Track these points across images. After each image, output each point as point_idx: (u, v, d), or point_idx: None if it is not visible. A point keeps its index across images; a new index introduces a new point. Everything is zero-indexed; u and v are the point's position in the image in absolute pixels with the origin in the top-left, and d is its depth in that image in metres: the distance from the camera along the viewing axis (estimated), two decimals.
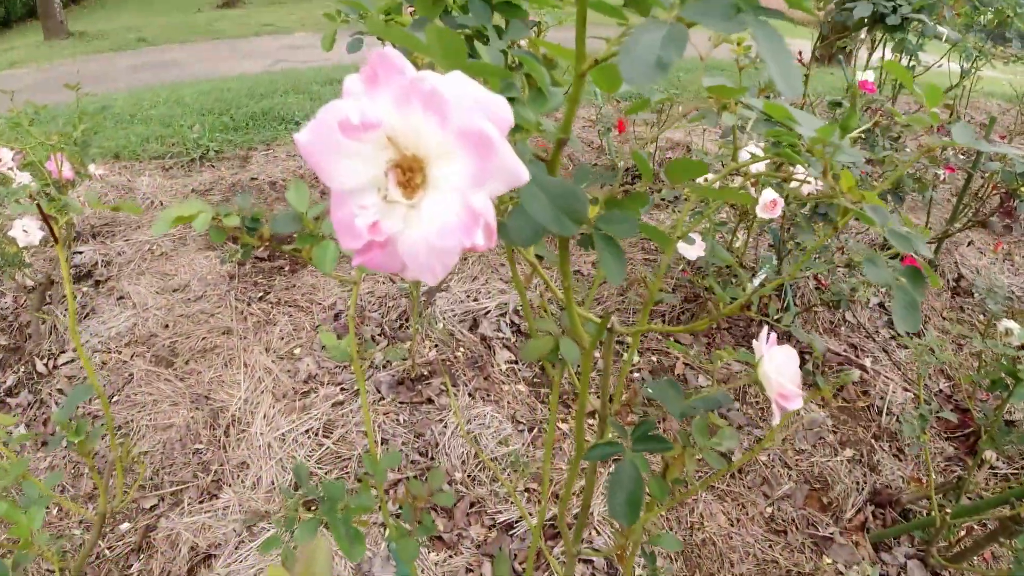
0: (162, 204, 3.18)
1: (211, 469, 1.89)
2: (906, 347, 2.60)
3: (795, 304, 2.57)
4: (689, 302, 2.52)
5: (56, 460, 1.93)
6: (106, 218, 3.02)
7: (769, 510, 1.81)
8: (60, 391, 2.15)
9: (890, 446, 2.10)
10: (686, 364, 2.31)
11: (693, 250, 1.80)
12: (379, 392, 2.01)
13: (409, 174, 0.32)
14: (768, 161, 0.97)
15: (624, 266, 0.52)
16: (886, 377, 2.37)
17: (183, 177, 3.49)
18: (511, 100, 0.63)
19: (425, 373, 2.06)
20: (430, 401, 1.98)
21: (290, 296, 2.48)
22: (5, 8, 12.24)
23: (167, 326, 2.42)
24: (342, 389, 2.03)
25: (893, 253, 0.65)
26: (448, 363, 2.12)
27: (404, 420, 1.92)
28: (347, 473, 1.79)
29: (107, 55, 8.18)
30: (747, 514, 1.79)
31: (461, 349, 2.18)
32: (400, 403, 1.96)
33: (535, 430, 1.92)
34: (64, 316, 2.42)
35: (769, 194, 1.77)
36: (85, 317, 2.47)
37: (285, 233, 0.77)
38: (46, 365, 2.25)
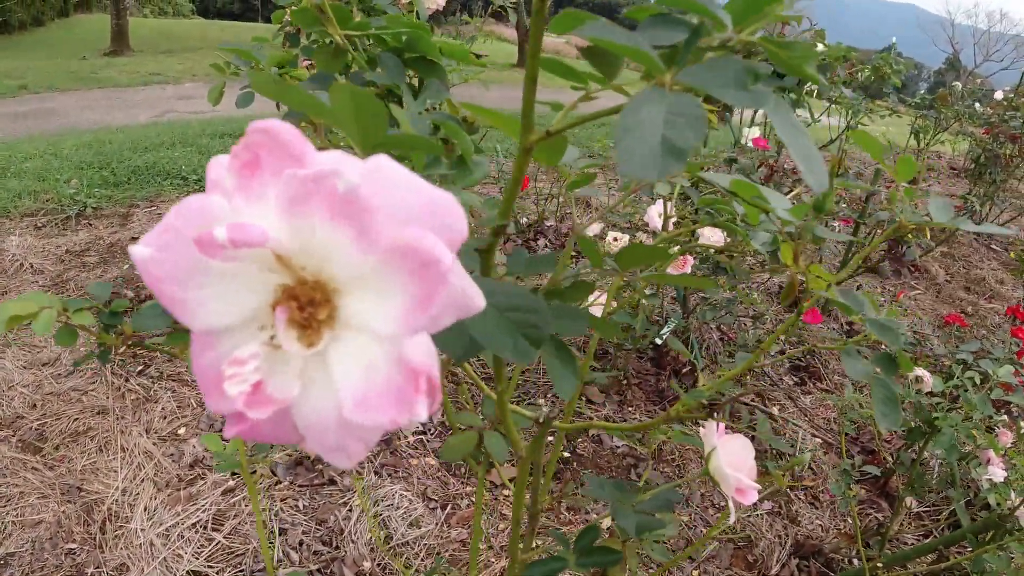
0: (32, 267, 2.90)
1: (86, 573, 1.66)
2: (810, 393, 2.63)
3: (702, 355, 2.57)
4: (598, 359, 2.48)
5: None
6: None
7: (695, 574, 1.75)
8: None
9: (805, 495, 2.09)
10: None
11: (596, 309, 1.74)
12: (275, 475, 1.83)
13: (309, 309, 0.22)
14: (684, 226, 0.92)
15: (578, 374, 0.43)
16: (794, 424, 2.38)
17: (57, 236, 3.20)
18: (429, 176, 0.54)
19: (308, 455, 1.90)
20: (332, 482, 1.82)
21: (174, 368, 2.27)
22: None
23: (35, 406, 2.17)
24: (234, 474, 1.84)
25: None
26: None
27: (304, 506, 1.75)
28: (241, 571, 1.61)
29: None
30: None
31: (453, 435, 2.04)
32: (299, 487, 1.80)
33: (448, 507, 1.79)
34: None
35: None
36: None
37: (153, 330, 0.65)
38: None
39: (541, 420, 0.66)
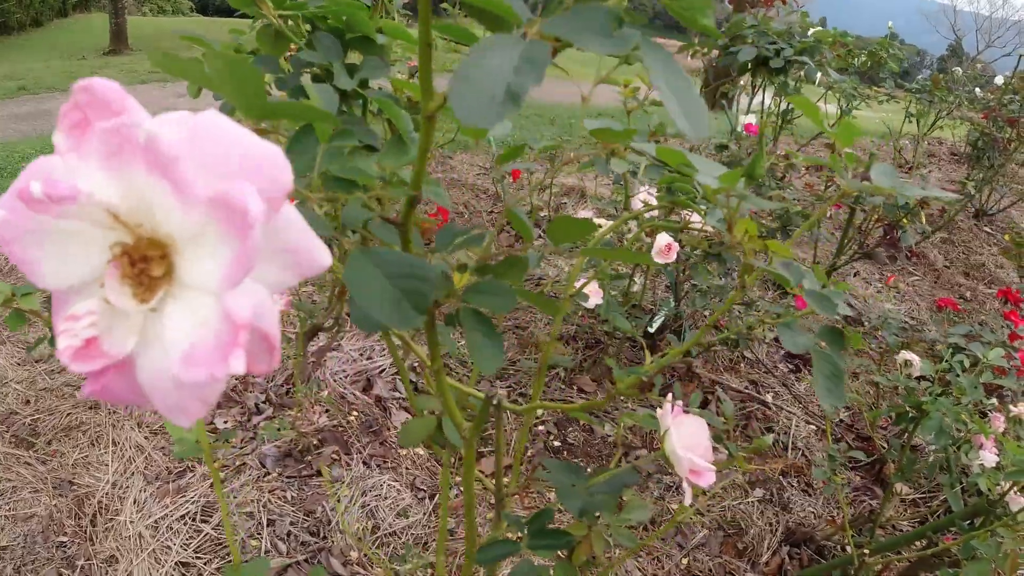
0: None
1: (76, 565, 1.66)
2: (805, 380, 2.62)
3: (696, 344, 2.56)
4: (590, 349, 2.47)
5: None
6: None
7: (685, 561, 1.74)
8: None
9: (798, 481, 2.08)
10: (592, 413, 2.24)
11: (593, 298, 1.73)
12: (264, 467, 1.83)
13: (141, 266, 0.21)
14: (661, 209, 0.91)
15: (501, 349, 0.43)
16: (788, 411, 2.38)
17: None
18: (370, 149, 0.53)
19: (315, 442, 1.90)
20: (320, 474, 1.82)
21: None
22: None
23: (28, 402, 2.17)
24: (222, 466, 1.84)
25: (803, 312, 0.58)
26: (341, 429, 1.97)
27: (292, 497, 1.75)
28: (228, 562, 1.61)
29: None
30: (663, 568, 1.71)
31: (354, 413, 2.04)
32: (287, 478, 1.80)
33: (436, 497, 1.79)
34: None
35: (663, 239, 1.73)
36: None
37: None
38: None
39: (495, 402, 0.66)
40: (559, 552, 0.79)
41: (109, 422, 2.07)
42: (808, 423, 2.39)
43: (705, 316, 2.68)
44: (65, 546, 1.68)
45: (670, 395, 0.65)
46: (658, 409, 0.66)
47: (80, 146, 0.21)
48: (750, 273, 0.49)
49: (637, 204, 1.75)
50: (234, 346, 0.19)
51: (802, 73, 2.05)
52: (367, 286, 0.30)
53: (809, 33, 2.60)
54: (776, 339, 2.85)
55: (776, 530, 1.84)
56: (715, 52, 2.06)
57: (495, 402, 0.66)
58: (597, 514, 0.83)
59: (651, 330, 2.53)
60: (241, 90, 0.29)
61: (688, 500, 0.62)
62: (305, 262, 0.23)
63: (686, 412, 0.67)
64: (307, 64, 0.58)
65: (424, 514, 1.73)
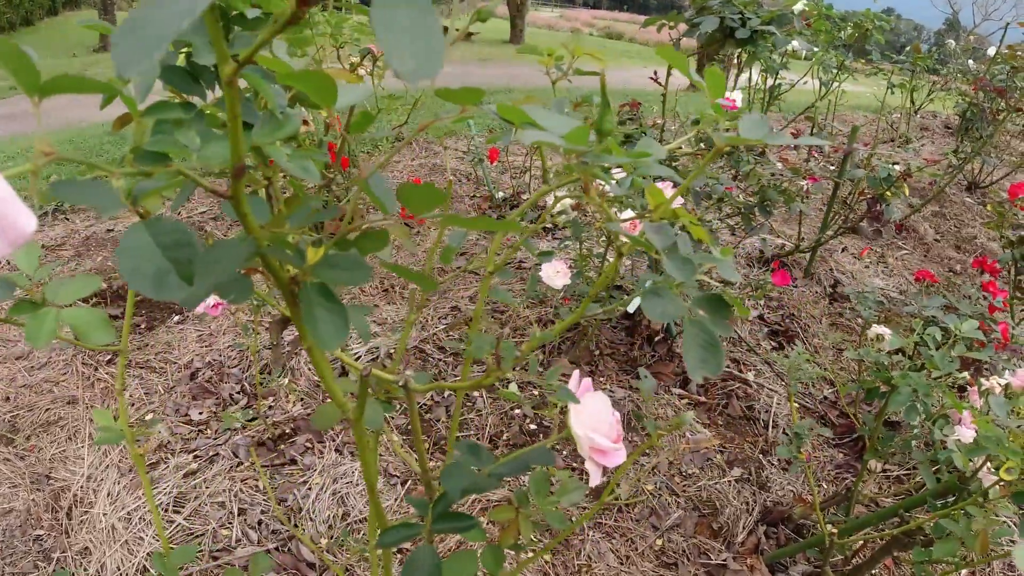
0: (7, 264, 2.90)
1: (52, 557, 1.67)
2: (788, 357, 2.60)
3: (675, 324, 2.54)
4: (569, 330, 2.45)
5: None
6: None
7: (659, 542, 1.74)
8: None
9: (778, 460, 2.07)
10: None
11: (559, 279, 1.72)
12: (236, 456, 1.83)
13: None
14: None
15: (344, 324, 0.41)
16: (770, 389, 2.36)
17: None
18: (247, 126, 0.51)
19: (288, 431, 1.89)
20: (293, 462, 1.82)
21: (143, 356, 2.27)
22: None
23: (7, 398, 2.17)
24: (195, 456, 1.84)
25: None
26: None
27: (264, 486, 1.74)
28: (202, 551, 1.61)
29: None
30: (636, 549, 1.70)
31: (328, 401, 2.03)
32: (260, 467, 1.79)
33: (408, 483, 1.78)
34: None
35: (628, 213, 1.71)
36: None
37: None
38: None
39: (402, 384, 0.65)
40: (487, 539, 0.77)
41: (86, 416, 2.07)
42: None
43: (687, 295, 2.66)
44: (41, 539, 1.69)
45: (576, 372, 0.64)
46: (563, 386, 0.64)
47: None
48: (615, 240, 0.47)
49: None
50: None
51: (771, 43, 2.02)
52: (137, 257, 0.29)
53: (795, 8, 2.56)
54: (760, 317, 2.83)
55: (752, 509, 1.83)
56: (683, 26, 2.03)
57: (402, 384, 0.65)
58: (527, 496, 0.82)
59: (630, 310, 2.51)
60: (16, 70, 0.28)
61: (595, 481, 0.61)
62: (12, 232, 0.21)
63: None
64: (183, 44, 0.56)
65: (395, 500, 1.72)
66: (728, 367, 2.47)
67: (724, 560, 1.69)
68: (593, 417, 0.60)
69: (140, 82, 0.39)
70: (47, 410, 2.12)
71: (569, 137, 0.40)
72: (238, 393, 2.06)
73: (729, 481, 1.92)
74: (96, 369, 2.23)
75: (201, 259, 0.36)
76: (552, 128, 0.41)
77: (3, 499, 1.82)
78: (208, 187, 0.38)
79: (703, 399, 2.34)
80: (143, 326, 2.48)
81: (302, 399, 2.03)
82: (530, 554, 0.89)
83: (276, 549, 1.60)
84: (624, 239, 0.46)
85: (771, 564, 1.72)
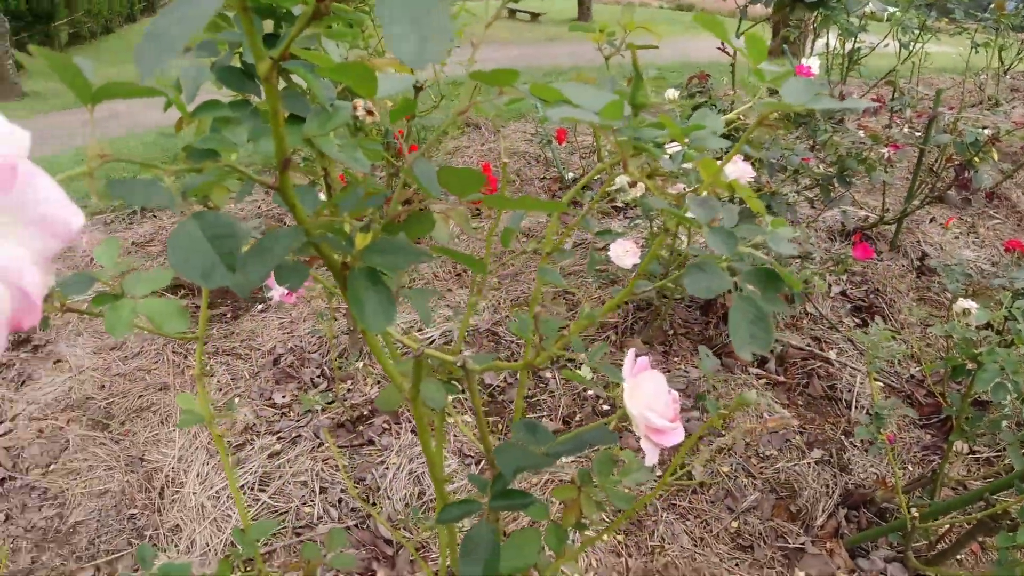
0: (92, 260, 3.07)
1: (145, 535, 1.77)
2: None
3: None
4: (641, 311, 2.43)
5: None
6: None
7: (735, 525, 1.71)
8: None
9: (861, 442, 2.00)
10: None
11: (628, 258, 1.70)
12: (317, 438, 1.90)
13: None
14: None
15: (390, 308, 0.43)
16: (853, 368, 2.28)
17: (124, 231, 3.38)
18: (297, 119, 0.53)
19: (365, 413, 1.95)
20: (371, 443, 1.87)
21: (229, 344, 2.37)
22: None
23: (103, 387, 2.31)
24: (279, 438, 1.92)
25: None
26: None
27: (344, 465, 1.80)
28: (285, 528, 1.68)
29: (60, 112, 8.04)
30: (711, 531, 1.69)
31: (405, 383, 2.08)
32: (339, 447, 1.85)
33: (482, 462, 1.81)
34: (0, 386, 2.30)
35: (680, 187, 1.68)
36: (22, 385, 2.35)
37: (76, 296, 0.68)
38: None
39: (460, 364, 0.66)
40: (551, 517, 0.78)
41: (173, 404, 2.18)
42: (876, 379, 2.29)
43: None
44: (135, 518, 1.79)
45: (631, 352, 0.64)
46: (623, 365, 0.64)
47: None
48: (663, 216, 0.46)
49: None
50: None
51: (844, 4, 1.92)
52: (187, 248, 0.31)
53: None
54: (842, 293, 2.74)
55: (833, 492, 1.79)
56: None
57: (460, 364, 0.66)
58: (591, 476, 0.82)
59: None
60: (72, 83, 0.30)
61: (651, 460, 0.60)
62: (61, 228, 0.23)
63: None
64: (236, 44, 0.58)
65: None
66: (809, 345, 2.40)
67: (802, 543, 1.65)
68: (648, 396, 0.60)
69: (188, 84, 0.41)
70: (140, 396, 2.24)
71: (603, 112, 0.40)
72: (318, 377, 2.14)
73: (809, 463, 1.87)
74: (185, 357, 2.34)
75: (254, 248, 0.38)
76: (586, 104, 0.40)
77: (99, 481, 1.94)
78: (257, 179, 0.40)
79: (782, 378, 2.29)
80: (229, 315, 2.59)
81: (379, 382, 2.08)
82: (593, 533, 0.89)
83: (356, 526, 1.66)
84: (666, 208, 0.46)
85: (851, 548, 1.67)
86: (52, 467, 2.01)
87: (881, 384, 2.27)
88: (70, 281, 0.67)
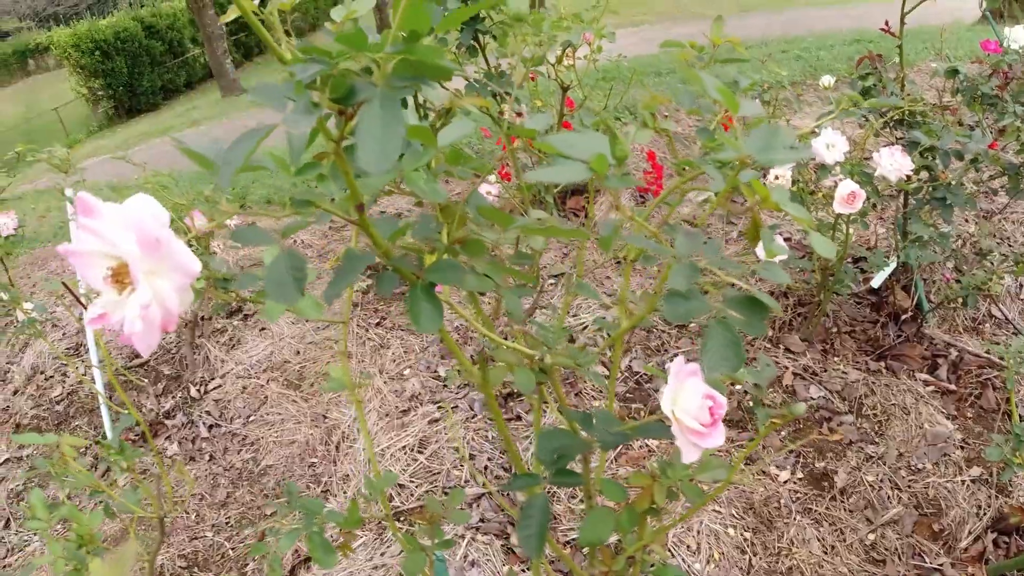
0: (302, 242, 3.48)
1: (321, 481, 2.06)
2: None
3: (928, 300, 2.35)
4: (803, 305, 2.39)
5: (199, 472, 2.18)
6: (255, 258, 3.36)
7: (871, 537, 1.68)
8: (208, 413, 2.43)
9: None
10: (795, 374, 2.18)
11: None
12: (472, 410, 2.09)
13: (119, 277, 0.39)
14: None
15: (439, 316, 0.55)
16: None
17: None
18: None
19: (516, 391, 2.11)
20: (519, 418, 2.03)
21: (404, 320, 2.63)
22: (187, 72, 14.66)
23: (298, 352, 2.65)
24: (439, 407, 2.13)
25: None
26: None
27: (492, 436, 1.98)
28: (436, 486, 1.89)
29: None
30: (844, 540, 1.67)
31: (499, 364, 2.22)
32: (489, 419, 2.03)
33: (619, 447, 1.91)
34: (215, 348, 2.72)
35: (847, 186, 1.63)
36: (233, 347, 2.76)
37: (249, 289, 0.87)
38: (199, 391, 2.55)
39: (539, 358, 0.78)
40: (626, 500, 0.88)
41: (358, 369, 2.47)
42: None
43: (936, 268, 2.46)
44: (315, 466, 2.09)
45: (679, 357, 0.71)
46: (668, 365, 0.71)
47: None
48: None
49: (819, 149, 1.65)
50: (143, 317, 0.36)
51: None
52: (277, 276, 0.45)
53: None
54: None
55: (984, 514, 1.70)
56: None
57: (539, 358, 0.78)
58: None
59: (875, 285, 2.38)
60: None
61: (688, 458, 0.68)
62: (188, 270, 0.38)
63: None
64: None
65: (608, 461, 1.86)
66: (988, 352, 2.24)
67: (940, 564, 1.60)
68: (684, 398, 0.67)
69: (292, 152, 0.55)
70: (327, 362, 2.56)
71: (592, 165, 0.49)
72: (477, 354, 2.33)
73: (963, 481, 1.79)
74: (367, 330, 2.63)
75: (338, 268, 0.53)
76: (576, 153, 0.50)
77: (289, 432, 2.26)
78: (344, 217, 0.54)
79: (953, 387, 2.17)
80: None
81: None
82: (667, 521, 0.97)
83: (498, 492, 1.83)
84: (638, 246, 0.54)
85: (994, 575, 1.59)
86: (252, 418, 2.36)
87: None
88: (244, 279, 0.86)
